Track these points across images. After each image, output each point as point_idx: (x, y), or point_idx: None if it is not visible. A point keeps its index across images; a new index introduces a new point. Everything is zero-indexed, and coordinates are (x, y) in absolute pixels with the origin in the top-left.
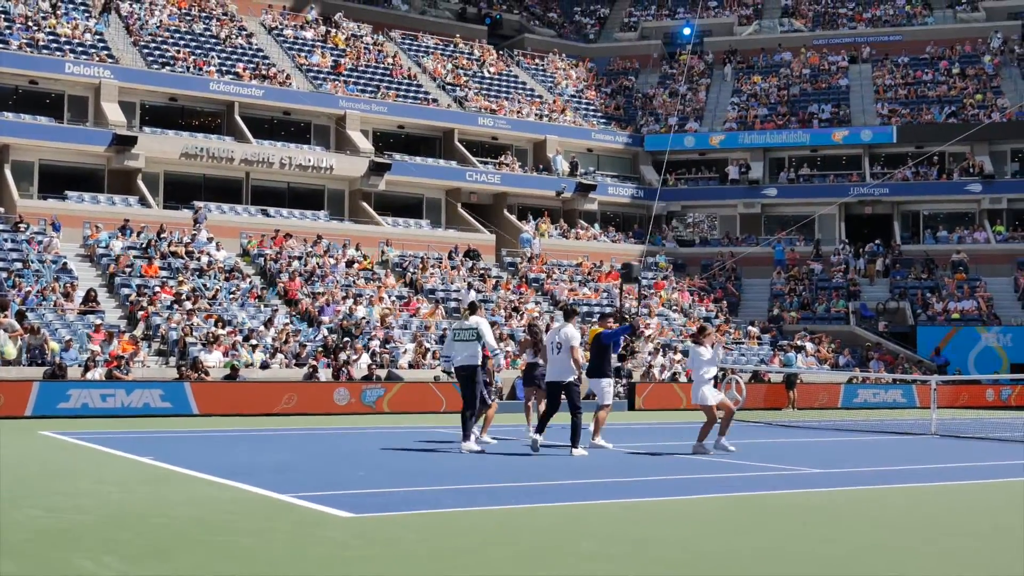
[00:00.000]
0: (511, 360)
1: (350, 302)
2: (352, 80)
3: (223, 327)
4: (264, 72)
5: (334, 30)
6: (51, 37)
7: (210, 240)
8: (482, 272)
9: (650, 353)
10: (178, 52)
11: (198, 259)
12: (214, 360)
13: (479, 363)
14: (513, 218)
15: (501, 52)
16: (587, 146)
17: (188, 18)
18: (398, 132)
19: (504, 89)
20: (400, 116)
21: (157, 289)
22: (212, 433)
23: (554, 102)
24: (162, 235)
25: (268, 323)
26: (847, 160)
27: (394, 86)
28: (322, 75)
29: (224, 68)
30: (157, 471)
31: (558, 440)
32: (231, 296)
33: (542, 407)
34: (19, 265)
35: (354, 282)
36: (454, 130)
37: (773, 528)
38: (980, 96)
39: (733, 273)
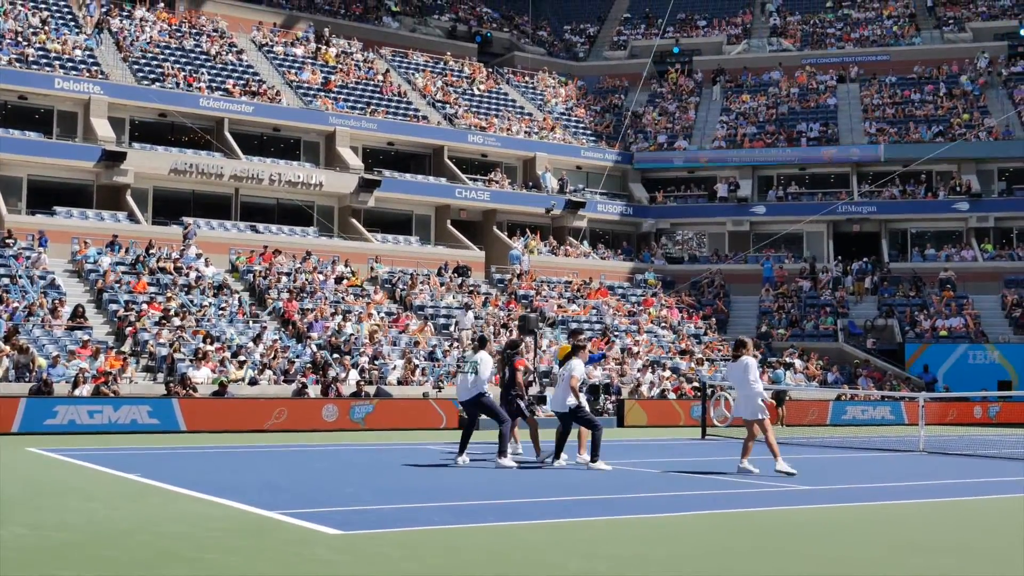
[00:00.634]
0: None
1: (339, 318)
2: (342, 97)
3: (211, 343)
4: (254, 88)
5: (324, 47)
6: (41, 52)
7: (199, 256)
8: (471, 289)
9: (639, 370)
10: (168, 68)
11: (187, 275)
12: (202, 376)
13: (478, 395)
14: (503, 235)
15: (491, 70)
16: (576, 163)
17: (178, 34)
18: (388, 149)
19: (494, 106)
20: (390, 133)
21: (145, 305)
22: (200, 450)
23: (544, 120)
24: (151, 251)
25: (257, 339)
26: (835, 178)
27: (384, 103)
28: (312, 92)
29: (214, 84)
30: (144, 488)
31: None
32: (220, 312)
33: (515, 430)
34: (6, 281)
35: (343, 298)
36: (444, 147)
37: (761, 545)
38: (967, 115)
39: (722, 290)
